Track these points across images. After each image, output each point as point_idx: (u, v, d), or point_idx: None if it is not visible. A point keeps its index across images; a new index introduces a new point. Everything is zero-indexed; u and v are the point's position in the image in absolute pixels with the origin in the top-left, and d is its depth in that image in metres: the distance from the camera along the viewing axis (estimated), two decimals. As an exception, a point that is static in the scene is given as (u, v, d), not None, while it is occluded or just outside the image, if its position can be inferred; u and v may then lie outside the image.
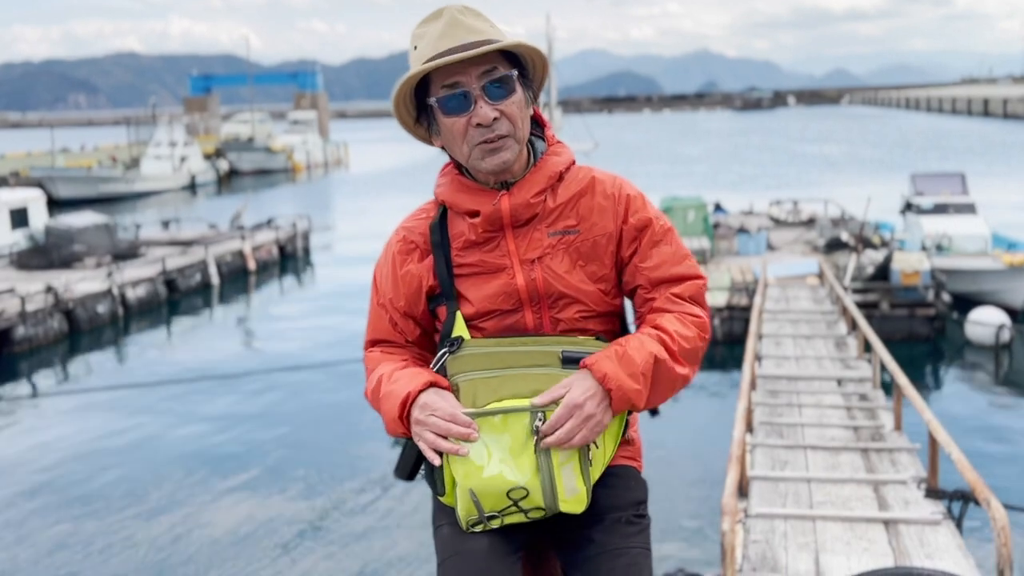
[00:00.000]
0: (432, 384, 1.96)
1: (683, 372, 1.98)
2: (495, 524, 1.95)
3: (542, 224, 2.03)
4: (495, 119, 1.94)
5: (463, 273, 2.04)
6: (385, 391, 1.99)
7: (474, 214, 2.02)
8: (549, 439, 1.87)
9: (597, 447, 1.97)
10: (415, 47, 1.97)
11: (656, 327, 1.99)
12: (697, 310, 2.05)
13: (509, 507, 1.91)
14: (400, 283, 2.10)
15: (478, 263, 2.04)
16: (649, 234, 2.07)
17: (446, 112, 1.96)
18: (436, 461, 1.92)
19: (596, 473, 1.98)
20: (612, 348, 1.94)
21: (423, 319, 2.12)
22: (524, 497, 1.89)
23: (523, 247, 2.02)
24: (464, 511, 1.93)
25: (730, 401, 12.30)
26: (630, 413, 2.07)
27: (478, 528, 1.96)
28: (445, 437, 1.89)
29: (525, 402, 1.90)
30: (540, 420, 1.88)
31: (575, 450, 1.91)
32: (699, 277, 2.09)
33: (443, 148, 2.06)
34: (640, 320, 2.08)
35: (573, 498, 1.92)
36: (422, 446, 1.92)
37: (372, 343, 2.17)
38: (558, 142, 2.11)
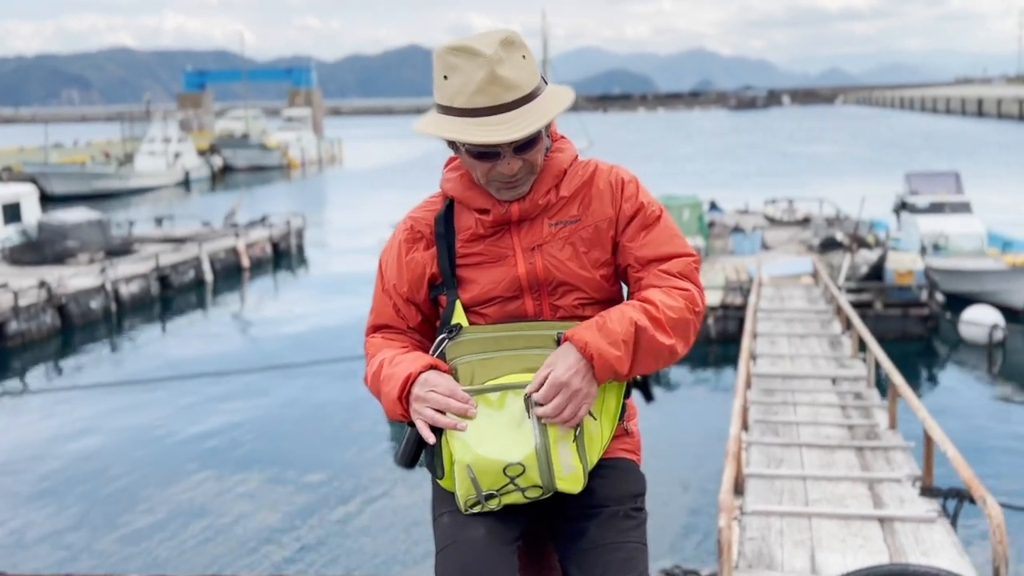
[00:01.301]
0: (433, 367, 1.99)
1: (668, 342, 1.96)
2: (493, 504, 1.94)
3: (545, 216, 2.07)
4: (519, 167, 1.97)
5: (467, 263, 2.08)
6: (386, 374, 2.02)
7: (483, 211, 2.06)
8: (539, 411, 1.90)
9: (595, 419, 1.98)
10: (445, 76, 1.90)
11: (640, 298, 2.02)
12: (685, 283, 2.04)
13: (506, 485, 1.91)
14: (404, 269, 2.14)
15: (482, 252, 2.08)
16: (641, 216, 2.09)
17: (470, 156, 1.98)
18: (431, 439, 1.93)
19: (594, 455, 1.99)
20: (593, 319, 1.97)
21: (424, 306, 2.16)
22: (521, 474, 1.90)
23: (526, 237, 2.06)
24: (463, 490, 1.94)
25: (725, 399, 12.30)
26: (627, 397, 2.10)
27: (476, 509, 1.96)
28: (443, 413, 1.91)
29: (522, 379, 1.93)
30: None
31: (570, 428, 1.93)
32: (688, 254, 2.08)
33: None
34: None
35: (570, 475, 1.93)
36: (419, 423, 1.94)
37: (375, 328, 2.21)
38: (561, 137, 2.14)
